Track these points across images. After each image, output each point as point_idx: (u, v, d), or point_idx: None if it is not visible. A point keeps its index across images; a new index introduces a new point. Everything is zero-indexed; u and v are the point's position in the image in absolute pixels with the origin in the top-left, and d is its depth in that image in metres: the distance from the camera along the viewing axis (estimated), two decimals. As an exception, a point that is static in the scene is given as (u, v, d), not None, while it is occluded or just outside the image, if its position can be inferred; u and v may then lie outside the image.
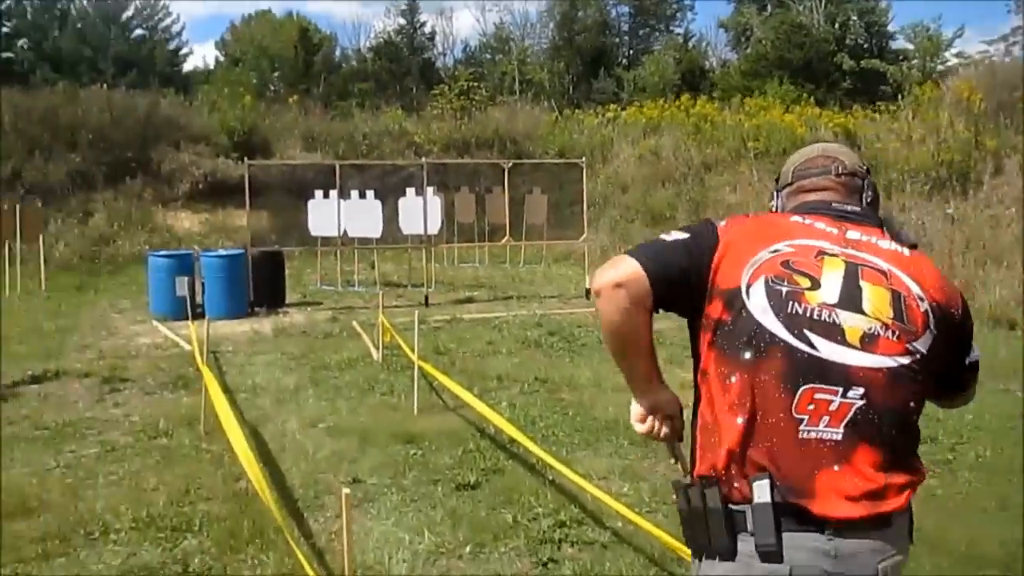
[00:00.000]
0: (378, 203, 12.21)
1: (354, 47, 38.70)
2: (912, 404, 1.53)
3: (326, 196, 12.35)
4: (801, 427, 1.46)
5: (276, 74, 36.49)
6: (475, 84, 22.87)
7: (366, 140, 19.17)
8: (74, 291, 12.18)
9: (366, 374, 7.13)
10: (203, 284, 10.20)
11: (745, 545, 1.47)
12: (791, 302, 1.51)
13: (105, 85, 19.64)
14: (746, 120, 18.66)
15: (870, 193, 1.76)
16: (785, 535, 1.44)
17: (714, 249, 1.58)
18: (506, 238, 12.09)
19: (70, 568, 3.64)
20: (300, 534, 3.86)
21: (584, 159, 12.73)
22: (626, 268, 1.56)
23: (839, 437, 1.46)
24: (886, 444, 1.48)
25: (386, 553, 3.74)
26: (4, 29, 39.52)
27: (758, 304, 1.51)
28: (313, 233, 12.52)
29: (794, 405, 1.47)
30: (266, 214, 17.46)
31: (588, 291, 11.57)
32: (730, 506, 1.49)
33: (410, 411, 5.99)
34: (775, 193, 1.84)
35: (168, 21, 43.35)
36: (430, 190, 12.19)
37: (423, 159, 11.76)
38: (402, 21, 36.85)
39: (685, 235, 1.63)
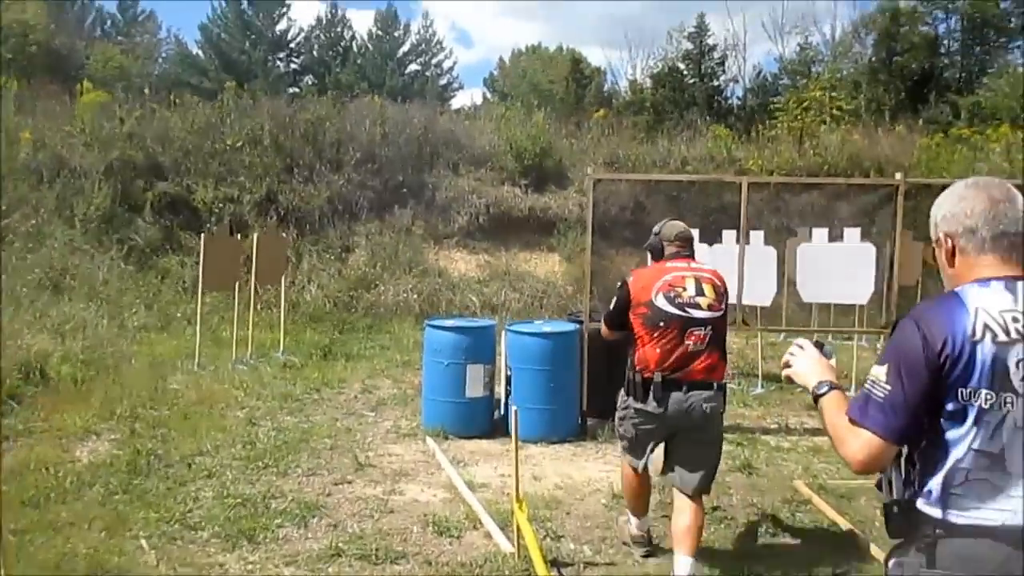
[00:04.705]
0: (772, 251, 7.58)
1: (629, 77, 34.69)
2: (723, 334, 3.72)
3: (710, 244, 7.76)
4: (689, 348, 3.56)
5: (542, 110, 33.78)
6: (833, 94, 17.66)
7: (687, 166, 14.70)
8: (319, 358, 8.62)
9: None
10: (508, 376, 6.05)
11: (651, 396, 3.57)
12: (677, 298, 3.60)
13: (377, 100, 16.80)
14: None
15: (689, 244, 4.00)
16: (667, 394, 3.56)
17: (629, 294, 3.71)
18: None
19: None
20: None
21: None
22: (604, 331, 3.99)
23: (703, 347, 3.57)
24: (718, 350, 3.64)
25: None
26: (293, 66, 40.68)
27: (662, 302, 3.60)
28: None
29: (684, 339, 3.56)
30: (559, 259, 13.59)
31: None
32: (647, 382, 3.60)
33: None
34: (660, 242, 3.91)
35: (441, 56, 42.68)
36: (853, 234, 7.32)
37: (897, 175, 6.87)
38: (689, 45, 32.38)
39: (617, 300, 3.79)
